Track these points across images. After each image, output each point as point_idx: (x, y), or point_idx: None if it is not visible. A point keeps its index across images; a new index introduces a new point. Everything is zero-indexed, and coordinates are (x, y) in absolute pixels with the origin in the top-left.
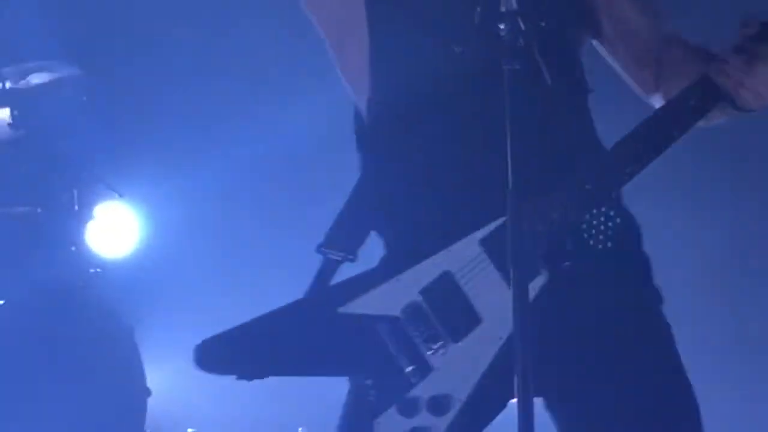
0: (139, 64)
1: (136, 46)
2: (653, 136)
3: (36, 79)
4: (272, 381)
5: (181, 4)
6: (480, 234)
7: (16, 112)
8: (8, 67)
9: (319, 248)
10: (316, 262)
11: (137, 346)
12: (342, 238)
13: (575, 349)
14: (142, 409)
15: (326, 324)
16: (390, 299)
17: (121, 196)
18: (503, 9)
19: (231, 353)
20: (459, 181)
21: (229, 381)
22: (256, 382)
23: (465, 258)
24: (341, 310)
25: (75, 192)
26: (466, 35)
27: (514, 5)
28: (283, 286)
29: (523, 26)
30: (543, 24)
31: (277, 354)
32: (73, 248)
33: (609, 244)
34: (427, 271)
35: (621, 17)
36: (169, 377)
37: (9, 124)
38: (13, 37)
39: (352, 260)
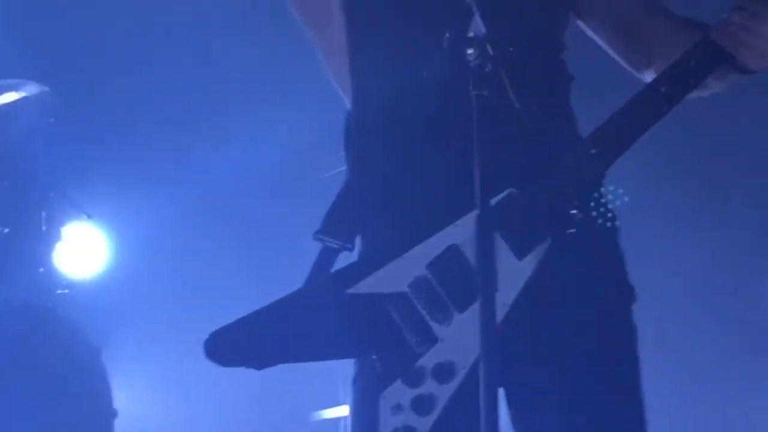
0: (107, 85)
1: (103, 66)
2: (657, 99)
3: (3, 99)
4: (243, 402)
5: (148, 22)
6: None
7: None
8: None
9: (316, 235)
10: (285, 280)
11: (105, 366)
12: (338, 227)
13: (536, 336)
14: (109, 430)
15: (333, 307)
16: (397, 276)
17: (89, 216)
18: (471, 34)
19: (240, 343)
20: (450, 174)
21: (196, 400)
22: (231, 401)
23: (471, 231)
24: (350, 291)
25: (43, 213)
26: (435, 60)
27: (483, 30)
28: (251, 305)
29: (491, 52)
30: (511, 50)
31: (286, 340)
32: (41, 269)
33: (608, 225)
34: (433, 246)
35: None
36: (136, 398)
37: None
38: None
39: (350, 249)
